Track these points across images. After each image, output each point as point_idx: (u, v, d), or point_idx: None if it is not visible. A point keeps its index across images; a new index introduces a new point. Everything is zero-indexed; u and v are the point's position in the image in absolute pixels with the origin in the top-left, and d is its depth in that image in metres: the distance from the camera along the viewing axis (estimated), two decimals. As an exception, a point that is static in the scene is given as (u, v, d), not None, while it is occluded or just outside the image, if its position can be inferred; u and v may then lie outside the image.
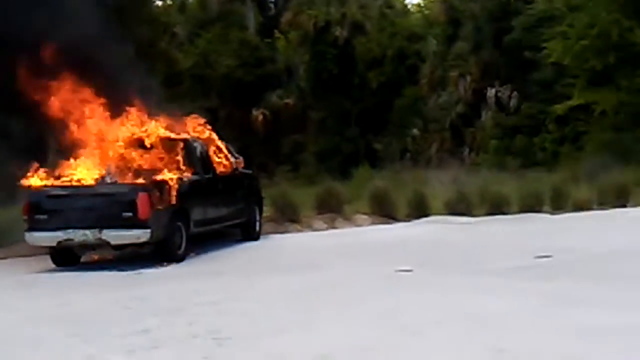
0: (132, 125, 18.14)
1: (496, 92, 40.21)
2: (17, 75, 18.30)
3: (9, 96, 18.90)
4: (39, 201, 16.76)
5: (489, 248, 17.45)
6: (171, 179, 16.96)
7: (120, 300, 13.41)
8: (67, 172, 17.65)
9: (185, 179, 17.40)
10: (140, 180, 16.67)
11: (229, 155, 19.55)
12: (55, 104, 18.23)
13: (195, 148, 18.39)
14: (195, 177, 17.87)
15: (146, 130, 18.04)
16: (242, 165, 20.02)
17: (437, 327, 10.42)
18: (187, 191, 17.22)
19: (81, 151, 17.95)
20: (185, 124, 18.90)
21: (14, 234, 19.28)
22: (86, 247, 17.12)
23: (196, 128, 19.03)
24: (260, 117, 43.95)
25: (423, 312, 11.41)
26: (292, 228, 21.36)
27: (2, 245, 19.27)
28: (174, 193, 16.80)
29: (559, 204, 23.45)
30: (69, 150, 18.02)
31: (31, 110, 18.35)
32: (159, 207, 16.49)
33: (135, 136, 17.97)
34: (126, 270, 16.22)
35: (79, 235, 16.41)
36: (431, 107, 45.15)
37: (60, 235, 16.45)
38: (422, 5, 57.05)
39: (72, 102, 18.35)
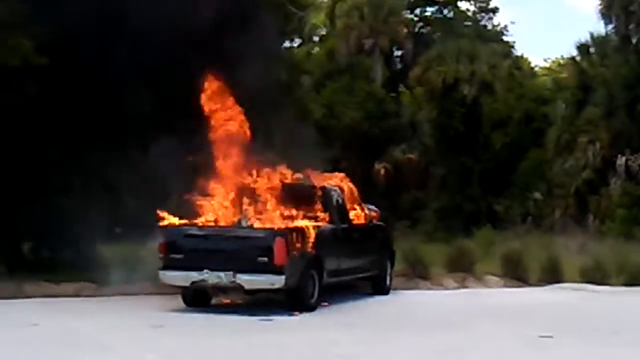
0: (271, 170, 17.96)
1: (626, 160, 39.23)
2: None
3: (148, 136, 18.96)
4: (175, 240, 16.69)
5: (632, 320, 16.76)
6: (308, 226, 16.74)
7: (255, 345, 13.28)
8: (202, 213, 17.56)
9: (321, 227, 17.14)
10: (278, 226, 16.44)
11: (364, 207, 19.30)
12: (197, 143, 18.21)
13: (332, 196, 18.15)
14: (331, 226, 17.61)
15: (285, 176, 17.88)
16: (377, 217, 19.73)
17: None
18: (323, 240, 16.96)
19: (217, 193, 17.83)
20: (323, 174, 18.70)
21: (143, 270, 19.35)
22: (219, 289, 16.93)
23: (334, 178, 18.82)
24: (382, 171, 43.58)
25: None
26: (422, 285, 20.93)
27: (132, 282, 19.24)
28: (310, 240, 16.57)
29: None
30: (203, 192, 17.88)
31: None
32: (295, 254, 16.25)
33: (273, 181, 17.78)
34: (258, 315, 15.97)
35: (212, 277, 16.23)
36: (556, 172, 44.22)
37: (194, 276, 16.29)
38: (550, 68, 56.57)
39: (214, 143, 18.31)
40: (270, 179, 17.86)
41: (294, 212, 17.48)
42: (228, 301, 18.02)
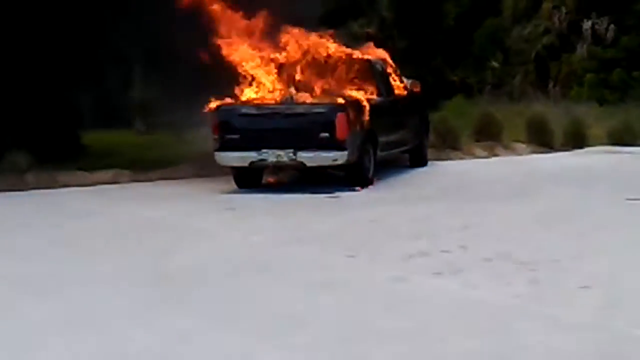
0: (314, 43, 17.35)
1: (593, 24, 39.13)
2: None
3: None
4: (230, 120, 16.08)
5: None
6: (365, 100, 16.28)
7: (355, 221, 12.86)
8: (247, 91, 16.96)
9: (374, 101, 16.69)
10: (339, 100, 15.92)
11: (403, 78, 18.87)
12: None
13: (378, 69, 17.68)
14: (381, 99, 17.16)
15: (329, 49, 17.28)
16: (419, 88, 19.31)
17: None
18: (376, 113, 16.49)
19: (259, 71, 17.19)
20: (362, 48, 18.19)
21: (173, 155, 18.91)
22: (279, 168, 16.48)
23: (371, 49, 18.31)
24: (342, 47, 42.95)
25: None
26: (454, 155, 20.68)
27: (162, 167, 18.71)
28: (367, 114, 16.13)
29: None
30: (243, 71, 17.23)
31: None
32: (355, 128, 15.81)
33: (318, 54, 17.21)
34: (321, 192, 15.56)
35: (272, 156, 15.73)
36: (514, 39, 44.09)
37: (253, 156, 15.77)
38: None
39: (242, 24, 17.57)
40: (311, 51, 17.23)
41: (343, 85, 16.99)
42: (272, 180, 17.53)
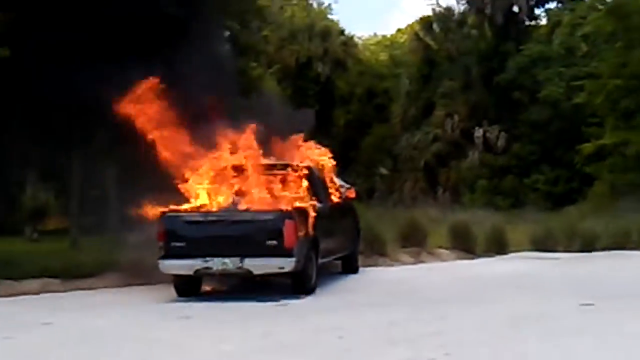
0: (250, 151, 17.29)
1: (484, 132, 40.19)
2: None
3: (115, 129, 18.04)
4: (175, 227, 15.85)
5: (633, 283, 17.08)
6: (309, 207, 16.27)
7: (320, 329, 12.66)
8: (189, 200, 16.78)
9: (316, 207, 16.68)
10: (285, 207, 15.86)
11: (339, 184, 18.93)
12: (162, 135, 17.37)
13: (317, 175, 17.70)
14: (322, 206, 17.15)
15: (266, 157, 17.27)
16: (354, 195, 19.38)
17: None
18: (318, 220, 16.47)
19: (199, 180, 17.03)
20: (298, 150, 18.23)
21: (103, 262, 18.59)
22: (224, 276, 16.27)
23: (312, 154, 18.34)
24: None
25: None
26: (382, 261, 20.74)
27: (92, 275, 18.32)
28: (311, 221, 16.11)
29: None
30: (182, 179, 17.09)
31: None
32: (301, 236, 15.76)
33: (256, 162, 17.15)
34: (267, 300, 15.38)
35: (218, 264, 15.55)
36: (403, 146, 44.95)
37: (198, 264, 15.56)
38: (378, 44, 57.24)
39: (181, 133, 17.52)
40: (251, 158, 17.16)
41: (283, 192, 16.92)
42: (209, 289, 17.31)
